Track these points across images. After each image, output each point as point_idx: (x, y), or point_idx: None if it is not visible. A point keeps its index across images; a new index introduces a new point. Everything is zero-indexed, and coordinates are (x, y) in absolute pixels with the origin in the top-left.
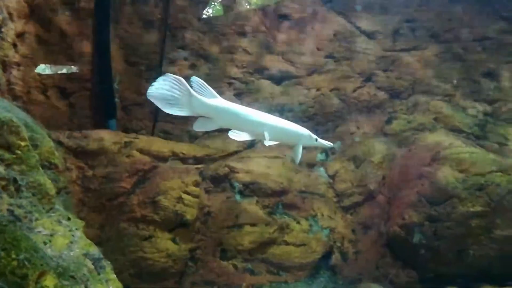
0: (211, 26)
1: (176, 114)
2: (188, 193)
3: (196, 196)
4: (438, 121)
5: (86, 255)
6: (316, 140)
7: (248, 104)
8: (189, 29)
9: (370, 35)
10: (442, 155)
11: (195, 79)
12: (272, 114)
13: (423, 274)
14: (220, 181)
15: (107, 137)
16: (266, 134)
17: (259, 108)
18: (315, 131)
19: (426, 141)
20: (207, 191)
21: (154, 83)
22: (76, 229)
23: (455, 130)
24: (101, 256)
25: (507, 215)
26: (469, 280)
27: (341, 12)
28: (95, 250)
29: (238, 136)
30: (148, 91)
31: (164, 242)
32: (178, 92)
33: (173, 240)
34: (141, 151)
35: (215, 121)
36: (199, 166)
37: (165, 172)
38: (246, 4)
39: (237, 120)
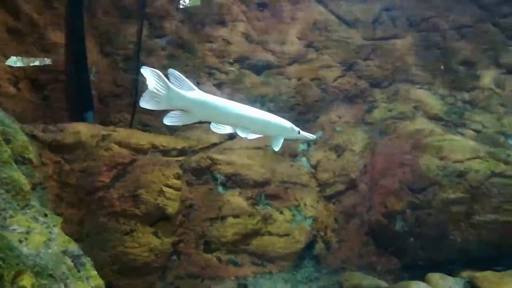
0: (189, 16)
1: (153, 108)
2: (170, 186)
3: (178, 189)
4: (418, 109)
5: (65, 252)
6: (299, 132)
7: (229, 95)
8: (167, 18)
9: (350, 24)
10: (423, 143)
11: (172, 71)
12: (253, 104)
13: (406, 262)
14: (202, 173)
15: (84, 130)
16: (247, 127)
17: (240, 99)
18: (296, 121)
19: (407, 129)
20: (189, 184)
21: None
22: (54, 225)
23: (435, 118)
24: (81, 252)
25: (485, 201)
26: (450, 266)
27: (321, 1)
28: (74, 247)
29: (220, 129)
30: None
31: (146, 236)
32: (157, 86)
33: (155, 234)
34: (119, 144)
35: (193, 115)
36: (180, 158)
37: (145, 165)
38: None
39: (217, 113)
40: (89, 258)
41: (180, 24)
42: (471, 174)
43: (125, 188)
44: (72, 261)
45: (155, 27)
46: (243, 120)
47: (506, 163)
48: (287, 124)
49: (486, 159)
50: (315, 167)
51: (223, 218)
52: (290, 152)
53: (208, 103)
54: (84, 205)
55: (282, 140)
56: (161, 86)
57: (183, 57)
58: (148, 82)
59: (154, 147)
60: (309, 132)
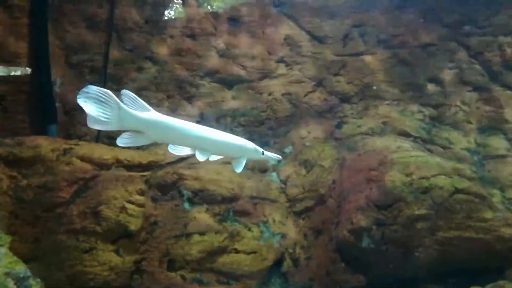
0: (159, 28)
1: (102, 129)
2: (132, 202)
3: (141, 205)
4: (387, 125)
5: (8, 274)
6: (263, 153)
7: (200, 109)
8: (136, 30)
9: (320, 40)
10: (390, 159)
11: (125, 92)
12: (224, 118)
13: (372, 279)
14: (168, 189)
15: (44, 144)
16: (206, 149)
17: (210, 113)
18: (267, 136)
19: (375, 145)
20: (154, 200)
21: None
22: (1, 245)
23: (404, 134)
24: (29, 274)
25: (449, 217)
26: (416, 283)
27: (292, 16)
28: (21, 268)
29: (178, 151)
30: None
31: (107, 254)
32: (106, 106)
33: (117, 252)
34: (82, 158)
35: (148, 136)
36: (145, 173)
37: (107, 180)
38: (208, 6)
39: (173, 135)
40: (38, 280)
41: (149, 36)
42: (436, 190)
43: (85, 204)
44: (16, 283)
45: (123, 39)
46: (202, 142)
47: (470, 179)
48: (250, 145)
49: (450, 175)
50: (285, 182)
51: (188, 235)
52: (260, 167)
53: (164, 124)
54: (41, 222)
55: (244, 162)
56: (111, 107)
57: (152, 69)
58: (88, 106)
59: (119, 162)
60: (281, 146)
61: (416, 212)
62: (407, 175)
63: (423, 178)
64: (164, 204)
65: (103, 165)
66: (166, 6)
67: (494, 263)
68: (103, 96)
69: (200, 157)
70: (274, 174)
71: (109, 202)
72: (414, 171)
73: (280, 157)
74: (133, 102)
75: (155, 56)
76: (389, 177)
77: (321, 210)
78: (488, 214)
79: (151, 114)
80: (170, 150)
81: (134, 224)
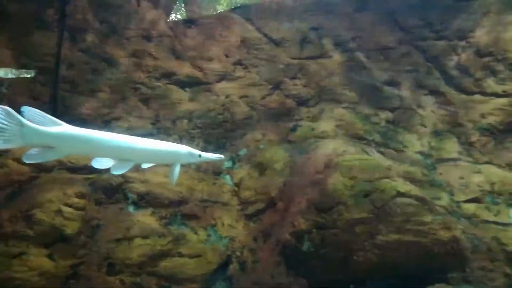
0: (114, 30)
1: (4, 147)
2: (70, 205)
3: (80, 209)
4: (340, 128)
5: None
6: (200, 156)
7: (155, 110)
8: (90, 31)
9: (277, 43)
10: (335, 162)
11: (27, 108)
12: (180, 121)
13: (313, 283)
14: (113, 192)
15: None
16: (130, 159)
17: (167, 115)
18: (224, 138)
19: (325, 148)
20: (98, 203)
21: None
22: None
23: (357, 137)
24: None
25: (389, 220)
26: (355, 285)
27: (249, 19)
28: None
29: (102, 163)
30: None
31: (39, 259)
32: (5, 123)
33: (50, 257)
34: (18, 160)
35: (58, 150)
36: (90, 176)
37: (45, 183)
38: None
39: (90, 147)
40: None
41: (104, 38)
42: (377, 194)
43: (18, 208)
44: None
45: (77, 40)
46: (124, 152)
47: (420, 182)
48: (184, 149)
49: (393, 179)
50: (238, 185)
51: (130, 238)
52: (214, 169)
53: (77, 137)
54: None
55: (177, 170)
56: (11, 123)
57: (107, 71)
58: None
59: (61, 164)
60: (236, 149)
61: (356, 216)
62: (350, 178)
63: (366, 181)
64: (108, 207)
65: (42, 168)
66: (121, 7)
67: (434, 266)
68: (2, 115)
69: (118, 170)
70: (227, 176)
71: (43, 205)
72: (357, 174)
73: (223, 156)
74: (39, 117)
75: (110, 58)
76: (331, 180)
77: (271, 213)
78: (428, 218)
79: (62, 128)
80: (93, 165)
81: (70, 228)
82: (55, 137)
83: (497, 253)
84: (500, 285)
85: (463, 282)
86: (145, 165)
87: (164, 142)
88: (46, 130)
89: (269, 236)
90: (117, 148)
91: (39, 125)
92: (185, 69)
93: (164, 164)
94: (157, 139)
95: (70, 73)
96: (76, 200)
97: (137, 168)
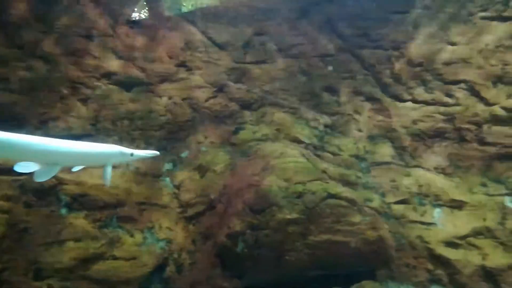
0: (52, 26)
1: None
2: None
3: (5, 212)
4: (281, 132)
5: None
6: (132, 154)
7: (95, 111)
8: (25, 27)
9: (221, 46)
10: (271, 165)
11: None
12: (121, 122)
13: (247, 284)
14: (45, 194)
15: None
16: (56, 162)
17: (108, 116)
18: (166, 140)
19: (264, 151)
20: (27, 205)
21: None
22: None
23: (296, 141)
24: None
25: (319, 221)
26: (287, 285)
27: (193, 21)
28: None
29: (24, 167)
30: None
31: None
32: None
33: None
34: None
35: None
36: (20, 178)
37: None
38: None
39: (12, 151)
40: None
41: (41, 35)
42: (309, 195)
43: None
44: None
45: (10, 36)
46: (49, 155)
47: (354, 184)
48: (114, 149)
49: (325, 181)
50: (178, 187)
51: (61, 242)
52: (154, 172)
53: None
54: None
55: (109, 171)
56: None
57: (43, 69)
58: None
59: None
60: (178, 151)
61: (288, 216)
62: (284, 180)
63: (299, 183)
64: (38, 210)
65: None
66: (60, 4)
67: (363, 265)
68: None
69: (42, 176)
70: (167, 179)
71: None
72: (291, 176)
73: (157, 152)
74: None
75: (47, 56)
76: (266, 182)
77: (211, 215)
78: (356, 218)
79: None
80: (16, 169)
81: None
82: None
83: (421, 251)
84: (423, 280)
85: (389, 278)
86: (75, 168)
87: (93, 143)
88: None
89: (208, 238)
90: (41, 151)
91: None
92: (127, 69)
93: (95, 165)
94: (96, 140)
95: (2, 70)
96: (0, 203)
97: (69, 170)
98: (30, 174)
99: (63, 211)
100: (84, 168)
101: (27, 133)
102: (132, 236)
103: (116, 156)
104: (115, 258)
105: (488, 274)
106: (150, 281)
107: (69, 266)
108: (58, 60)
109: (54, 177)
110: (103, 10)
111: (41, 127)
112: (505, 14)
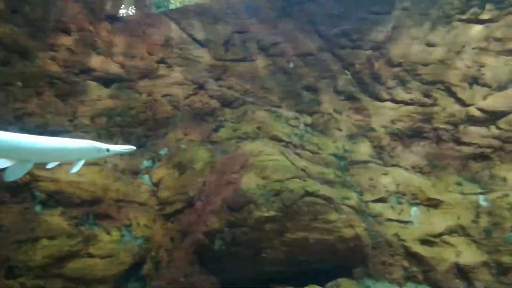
0: (28, 21)
1: None
2: None
3: None
4: (261, 130)
5: None
6: (108, 150)
7: (73, 107)
8: (0, 20)
9: (202, 44)
10: (250, 163)
11: None
12: (99, 118)
13: (224, 281)
14: (19, 191)
15: None
16: (28, 159)
17: (86, 112)
18: (145, 137)
19: (244, 149)
20: (1, 202)
21: None
22: None
23: (276, 139)
24: None
25: (297, 219)
26: (264, 282)
27: (174, 19)
28: None
29: None
30: None
31: None
32: None
33: None
34: None
35: None
36: None
37: None
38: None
39: None
40: None
41: (16, 28)
42: (286, 193)
43: None
44: None
45: None
46: (21, 152)
47: (333, 182)
48: (89, 144)
49: (303, 179)
50: (157, 184)
51: (35, 240)
52: (132, 169)
53: None
54: None
55: (81, 164)
56: None
57: (20, 64)
58: None
59: None
60: (157, 148)
61: (265, 214)
62: (262, 178)
63: (277, 181)
64: (12, 207)
65: None
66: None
67: (339, 262)
68: None
69: (14, 174)
70: (146, 176)
71: None
72: (270, 174)
73: (134, 147)
74: None
75: (23, 50)
76: (245, 180)
77: (189, 212)
78: (333, 216)
79: None
80: None
81: None
82: None
83: (397, 249)
84: (398, 277)
85: (365, 276)
86: (50, 165)
87: (67, 139)
88: None
89: (186, 236)
90: (13, 147)
91: None
92: (106, 65)
93: (70, 161)
94: (73, 136)
95: None
96: None
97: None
98: (2, 170)
99: (38, 208)
100: (60, 165)
101: (0, 128)
102: (108, 233)
103: (91, 152)
104: (91, 256)
105: (462, 271)
106: (127, 279)
107: (43, 264)
108: (35, 55)
109: (28, 173)
110: (83, 5)
111: (16, 123)
112: (482, 17)
